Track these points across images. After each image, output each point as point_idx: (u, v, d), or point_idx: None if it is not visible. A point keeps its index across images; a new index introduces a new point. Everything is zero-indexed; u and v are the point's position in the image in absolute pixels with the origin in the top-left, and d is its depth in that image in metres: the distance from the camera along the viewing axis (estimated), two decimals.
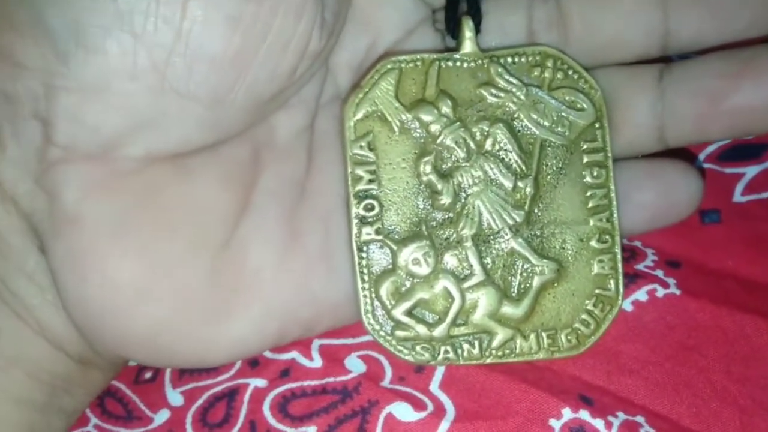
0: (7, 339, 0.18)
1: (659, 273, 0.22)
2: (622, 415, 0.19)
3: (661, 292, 0.21)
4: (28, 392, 0.18)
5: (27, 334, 0.18)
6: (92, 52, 0.16)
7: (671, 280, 0.21)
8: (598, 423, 0.19)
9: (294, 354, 0.21)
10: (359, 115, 0.20)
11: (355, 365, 0.21)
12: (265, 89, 0.18)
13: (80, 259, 0.17)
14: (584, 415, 0.19)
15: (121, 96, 0.16)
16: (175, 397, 0.21)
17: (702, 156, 0.24)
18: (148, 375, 0.22)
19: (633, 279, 0.21)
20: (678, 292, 0.21)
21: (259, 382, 0.21)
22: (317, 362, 0.21)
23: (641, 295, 0.21)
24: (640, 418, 0.19)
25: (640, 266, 0.22)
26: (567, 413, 0.19)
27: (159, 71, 0.16)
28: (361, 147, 0.20)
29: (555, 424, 0.19)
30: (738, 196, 0.23)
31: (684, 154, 0.24)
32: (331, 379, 0.21)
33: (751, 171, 0.24)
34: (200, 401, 0.21)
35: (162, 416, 0.21)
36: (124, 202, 0.17)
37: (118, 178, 0.17)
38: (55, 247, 0.17)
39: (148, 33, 0.16)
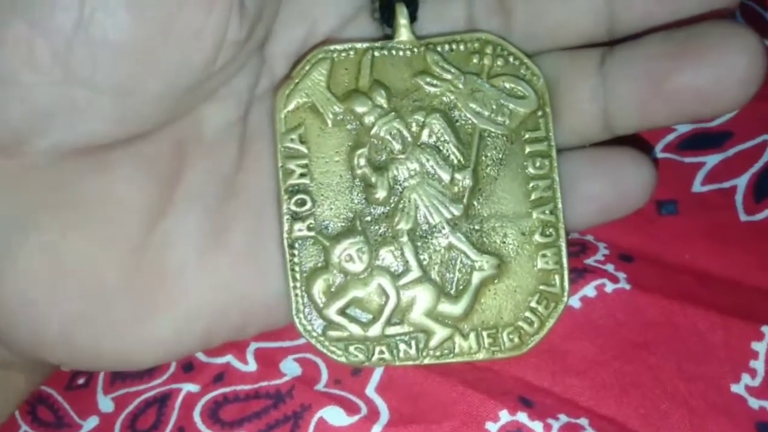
0: None
1: (609, 267, 0.20)
2: (564, 418, 0.18)
3: (610, 287, 0.20)
4: None
5: None
6: None
7: (621, 275, 0.20)
8: (537, 426, 0.18)
9: (229, 358, 0.20)
10: (290, 107, 0.20)
11: (290, 368, 0.20)
12: (181, 80, 0.17)
13: None
14: (522, 417, 0.18)
15: (23, 87, 0.16)
16: (105, 404, 0.20)
17: (660, 145, 0.23)
18: (81, 381, 0.21)
19: (581, 274, 0.20)
20: (628, 287, 0.20)
21: (192, 387, 0.20)
22: (252, 366, 0.20)
23: (589, 290, 0.20)
24: (583, 421, 0.18)
25: (590, 261, 0.21)
26: (504, 416, 0.18)
27: (61, 61, 0.16)
28: (292, 140, 0.20)
29: (492, 427, 0.18)
30: (698, 186, 0.22)
31: (640, 144, 0.23)
32: (264, 383, 0.20)
33: (711, 160, 0.23)
34: (131, 407, 0.20)
35: (91, 423, 0.20)
36: (35, 197, 0.17)
37: (27, 173, 0.17)
38: None
39: (45, 22, 0.15)
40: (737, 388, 0.18)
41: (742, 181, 0.22)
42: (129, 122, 0.17)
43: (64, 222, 0.17)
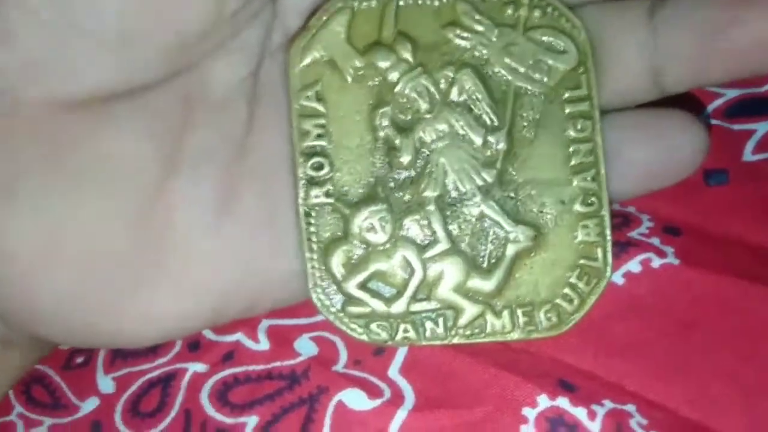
0: None
1: (655, 241, 0.19)
2: (609, 404, 0.16)
3: (656, 262, 0.18)
4: None
5: None
6: None
7: (669, 249, 0.18)
8: (580, 412, 0.16)
9: (239, 335, 0.19)
10: (306, 61, 0.18)
11: (305, 348, 0.18)
12: (187, 27, 0.15)
13: None
14: (563, 403, 0.16)
15: (15, 32, 0.14)
16: (106, 384, 0.19)
17: (707, 111, 0.21)
18: (79, 360, 0.20)
19: (624, 248, 0.19)
20: (677, 262, 0.18)
21: (199, 367, 0.19)
22: (264, 344, 0.19)
23: (634, 265, 0.18)
24: (630, 407, 0.16)
25: (633, 234, 0.19)
26: (543, 401, 0.16)
27: (55, 4, 0.14)
28: (308, 98, 0.18)
29: (529, 413, 0.16)
30: (748, 155, 0.21)
31: (691, 105, 0.21)
32: (277, 364, 0.18)
33: (763, 127, 0.21)
34: (133, 388, 0.19)
35: (90, 405, 0.19)
36: (25, 155, 0.15)
37: (18, 127, 0.15)
38: None
39: None
40: None
41: None
42: (131, 72, 0.16)
43: (59, 182, 0.15)
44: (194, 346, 0.19)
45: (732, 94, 0.22)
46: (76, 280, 0.16)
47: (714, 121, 0.21)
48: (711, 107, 0.21)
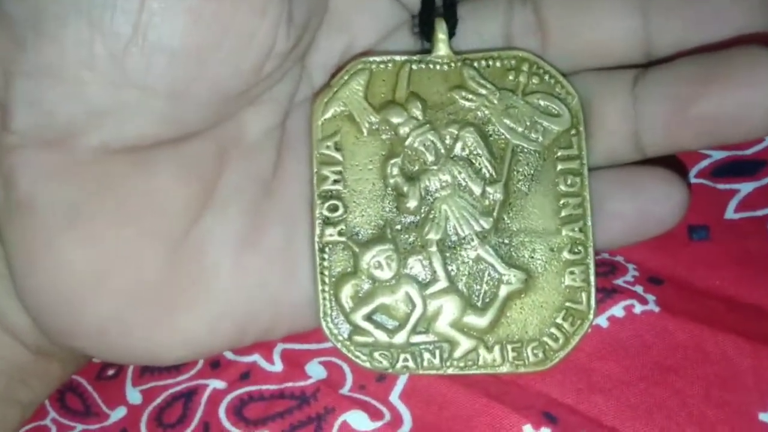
0: None
1: (638, 289, 0.20)
2: None
3: (638, 308, 0.20)
4: None
5: None
6: (49, 40, 0.16)
7: (651, 297, 0.20)
8: None
9: (255, 357, 0.21)
10: (327, 115, 0.20)
11: (315, 371, 0.20)
12: (229, 86, 0.18)
13: (32, 246, 0.17)
14: None
15: (78, 84, 0.17)
16: (133, 395, 0.21)
17: (694, 171, 0.23)
18: (110, 372, 0.22)
19: (610, 294, 0.20)
20: (657, 309, 0.20)
21: (218, 384, 0.21)
22: (278, 366, 0.21)
23: (617, 310, 0.20)
24: None
25: (619, 281, 0.21)
26: (528, 430, 0.18)
27: (116, 62, 0.16)
28: (327, 147, 0.20)
29: None
30: (730, 213, 0.22)
31: (676, 167, 0.23)
32: (289, 384, 0.20)
33: (745, 188, 0.23)
34: (158, 400, 0.21)
35: (118, 413, 0.21)
36: (80, 190, 0.17)
37: (74, 167, 0.17)
38: (9, 232, 0.17)
39: (105, 23, 0.16)
40: (765, 417, 0.18)
41: None
42: (176, 124, 0.18)
43: (107, 216, 0.18)
44: (215, 365, 0.21)
45: (718, 155, 0.23)
46: (118, 303, 0.18)
47: (700, 180, 0.23)
48: (698, 167, 0.23)
